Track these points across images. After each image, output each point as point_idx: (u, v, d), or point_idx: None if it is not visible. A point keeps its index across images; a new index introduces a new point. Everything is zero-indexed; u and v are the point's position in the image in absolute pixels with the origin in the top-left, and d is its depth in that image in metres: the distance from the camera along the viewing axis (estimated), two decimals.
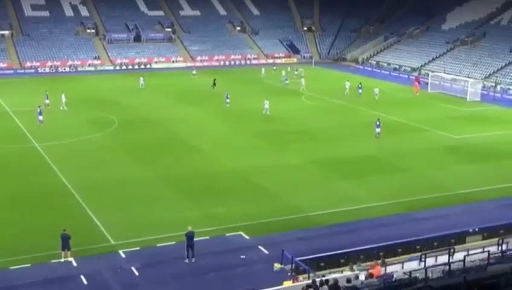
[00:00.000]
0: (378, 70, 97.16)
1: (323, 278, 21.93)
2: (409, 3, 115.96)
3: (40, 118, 55.17)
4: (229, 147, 49.03)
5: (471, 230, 31.09)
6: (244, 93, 72.12)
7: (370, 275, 22.88)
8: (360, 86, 72.24)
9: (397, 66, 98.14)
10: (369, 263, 26.71)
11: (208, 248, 29.50)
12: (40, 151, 46.45)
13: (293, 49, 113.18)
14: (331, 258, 27.36)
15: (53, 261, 28.02)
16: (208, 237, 30.64)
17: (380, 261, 25.72)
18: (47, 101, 62.54)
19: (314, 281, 20.98)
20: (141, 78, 77.64)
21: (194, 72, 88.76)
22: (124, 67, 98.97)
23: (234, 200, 36.68)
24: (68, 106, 62.24)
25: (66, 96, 62.98)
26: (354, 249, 27.94)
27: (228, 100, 64.63)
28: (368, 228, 32.38)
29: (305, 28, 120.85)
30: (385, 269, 24.61)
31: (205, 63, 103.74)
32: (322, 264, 26.99)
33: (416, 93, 74.10)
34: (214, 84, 75.43)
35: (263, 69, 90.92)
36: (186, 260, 28.23)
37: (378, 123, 52.31)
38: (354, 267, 25.17)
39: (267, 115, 59.44)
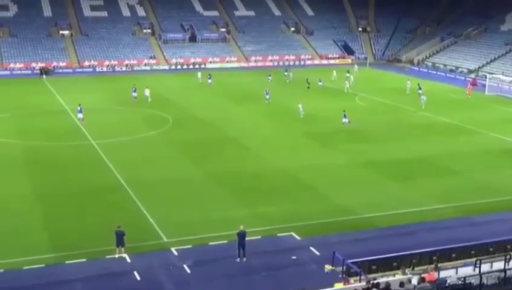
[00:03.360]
0: (434, 72, 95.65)
1: (375, 281, 21.77)
2: (466, 4, 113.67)
3: (80, 115, 56.61)
4: (279, 146, 49.07)
5: None
6: (295, 93, 72.10)
7: (422, 280, 22.59)
8: (419, 87, 72.20)
9: (454, 68, 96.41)
10: (421, 268, 26.35)
11: (259, 247, 29.56)
12: (96, 149, 47.42)
13: (348, 50, 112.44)
14: (383, 261, 27.02)
15: (107, 256, 28.52)
16: (259, 237, 30.71)
17: (433, 266, 25.34)
18: (134, 94, 67.59)
19: (375, 284, 20.74)
20: (206, 75, 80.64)
21: (287, 73, 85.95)
22: (178, 66, 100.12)
23: (285, 200, 36.67)
24: (124, 105, 63.72)
25: (150, 90, 67.89)
26: (406, 252, 27.55)
27: (268, 96, 66.96)
28: (421, 231, 31.90)
29: (360, 29, 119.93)
30: (438, 274, 24.23)
31: (259, 64, 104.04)
32: (374, 267, 26.70)
33: (468, 95, 72.45)
34: (308, 83, 76.42)
35: (334, 72, 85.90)
36: (238, 259, 28.35)
37: (344, 114, 55.96)
38: (407, 271, 24.87)
39: (302, 117, 58.83)
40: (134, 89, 68.39)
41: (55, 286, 25.97)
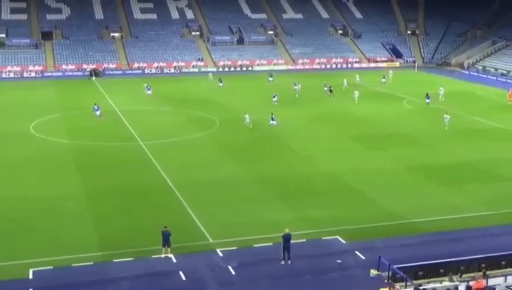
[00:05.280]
0: (485, 76, 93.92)
1: (421, 288, 21.53)
2: None
3: (98, 113, 59.06)
4: (325, 149, 48.91)
5: None
6: (340, 97, 71.80)
7: (470, 288, 22.23)
8: (427, 96, 68.11)
9: (505, 72, 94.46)
10: (469, 275, 25.92)
11: (304, 250, 29.51)
12: (144, 150, 48.06)
13: (396, 53, 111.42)
14: (430, 267, 26.65)
15: (154, 256, 28.89)
16: (304, 240, 30.67)
17: (481, 273, 24.90)
18: (148, 92, 71.53)
19: None
20: (217, 78, 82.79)
21: (272, 78, 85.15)
22: (226, 69, 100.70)
23: (331, 203, 36.53)
24: (172, 106, 64.26)
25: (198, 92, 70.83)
26: (454, 259, 27.12)
27: (275, 99, 67.32)
28: (470, 238, 31.34)
29: (409, 32, 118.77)
30: (487, 282, 23.80)
31: (306, 66, 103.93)
32: (421, 273, 26.35)
33: (509, 102, 70.37)
34: (331, 91, 73.17)
35: (357, 76, 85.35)
36: (282, 262, 28.36)
37: (272, 117, 55.79)
38: (454, 278, 24.51)
39: (249, 127, 55.77)
40: (148, 87, 73.12)
41: (103, 283, 26.40)
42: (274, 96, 68.07)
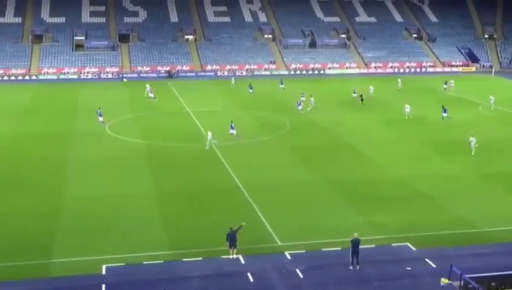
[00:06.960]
0: None
1: None
2: None
3: (100, 119, 58.36)
4: (396, 154, 48.24)
5: None
6: (415, 102, 70.58)
7: None
8: (444, 109, 61.77)
9: None
10: None
11: (373, 256, 29.22)
12: (215, 150, 48.62)
13: (472, 58, 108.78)
14: (504, 278, 25.90)
15: (222, 257, 29.20)
16: (373, 246, 30.35)
17: None
18: (151, 95, 73.36)
19: None
20: (247, 83, 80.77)
21: (283, 85, 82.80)
22: (298, 72, 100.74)
23: (401, 209, 35.98)
24: (243, 108, 64.74)
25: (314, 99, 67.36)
26: None
27: (300, 106, 64.79)
28: None
29: (486, 36, 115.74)
30: None
31: (379, 70, 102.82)
32: (494, 284, 25.68)
33: None
34: (362, 99, 70.29)
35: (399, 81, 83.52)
36: (351, 267, 28.16)
37: (232, 125, 52.83)
38: None
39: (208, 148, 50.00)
40: (151, 90, 73.64)
41: (173, 282, 26.84)
42: (299, 104, 65.25)
